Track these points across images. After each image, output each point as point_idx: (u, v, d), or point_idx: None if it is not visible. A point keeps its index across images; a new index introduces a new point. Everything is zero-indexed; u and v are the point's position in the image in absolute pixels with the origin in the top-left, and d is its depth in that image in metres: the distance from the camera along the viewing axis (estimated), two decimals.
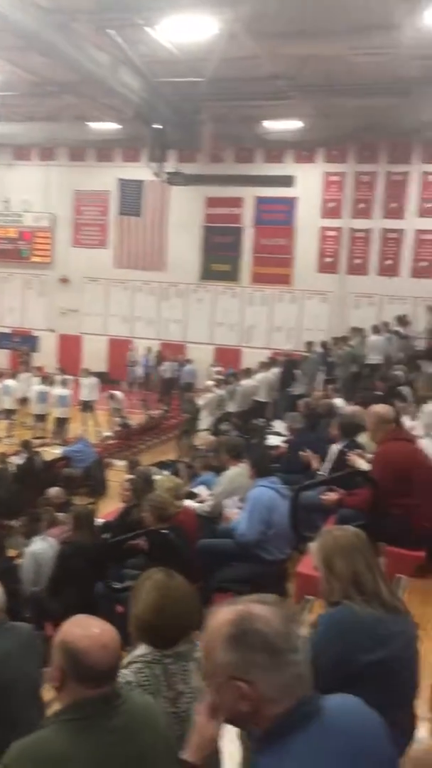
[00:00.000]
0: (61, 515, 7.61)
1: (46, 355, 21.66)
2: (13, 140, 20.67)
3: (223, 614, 1.52)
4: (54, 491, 8.81)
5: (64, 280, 22.61)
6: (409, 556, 4.52)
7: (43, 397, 15.22)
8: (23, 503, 9.48)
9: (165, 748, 1.93)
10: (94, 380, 16.41)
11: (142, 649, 2.56)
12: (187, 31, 10.91)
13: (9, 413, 15.61)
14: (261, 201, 20.18)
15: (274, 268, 20.33)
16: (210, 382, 15.20)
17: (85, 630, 1.93)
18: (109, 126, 17.92)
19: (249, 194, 20.14)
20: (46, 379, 16.09)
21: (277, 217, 20.14)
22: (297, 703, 1.47)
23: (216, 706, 1.56)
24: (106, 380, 18.82)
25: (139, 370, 20.32)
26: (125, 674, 2.35)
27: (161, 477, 6.96)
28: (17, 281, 23.24)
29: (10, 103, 17.39)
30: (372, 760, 1.51)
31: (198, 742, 1.67)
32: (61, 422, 15.12)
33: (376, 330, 16.06)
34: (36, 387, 15.50)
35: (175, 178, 17.64)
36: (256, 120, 17.15)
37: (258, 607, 1.50)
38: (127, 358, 20.87)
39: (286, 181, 19.48)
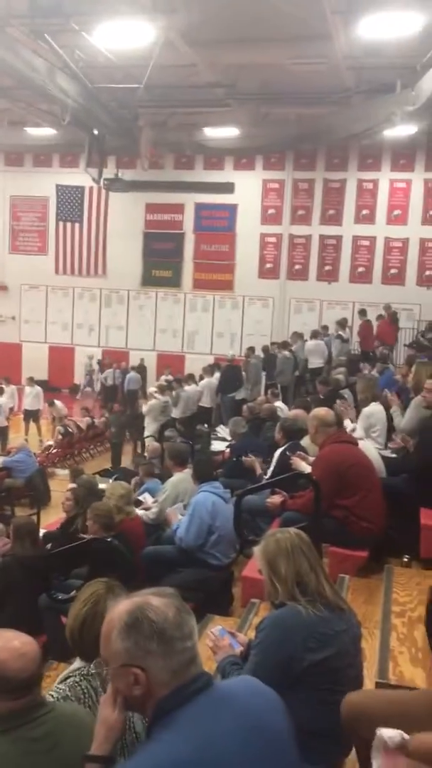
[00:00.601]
0: (1, 527, 7.44)
1: None
2: None
3: (122, 605, 1.62)
4: None
5: (2, 287, 22.22)
6: (352, 556, 4.59)
7: None
8: None
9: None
10: (38, 389, 16.18)
11: (77, 663, 2.53)
12: (124, 38, 10.85)
13: None
14: (201, 207, 20.29)
15: (216, 274, 20.45)
16: (153, 389, 15.14)
17: (3, 641, 1.93)
18: (47, 131, 17.71)
19: (189, 201, 20.22)
20: None
21: (218, 224, 20.27)
22: (185, 682, 1.55)
23: (116, 695, 1.62)
24: (47, 388, 18.55)
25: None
26: (61, 689, 2.31)
27: (112, 484, 6.89)
28: None
29: None
30: (266, 736, 1.58)
31: (103, 734, 1.67)
32: (0, 432, 14.82)
33: (314, 334, 16.30)
34: None
35: (115, 184, 17.53)
36: (196, 127, 17.21)
37: (154, 599, 1.59)
38: (86, 367, 20.56)
39: (226, 187, 19.59)
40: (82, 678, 2.33)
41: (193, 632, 1.60)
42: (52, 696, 2.26)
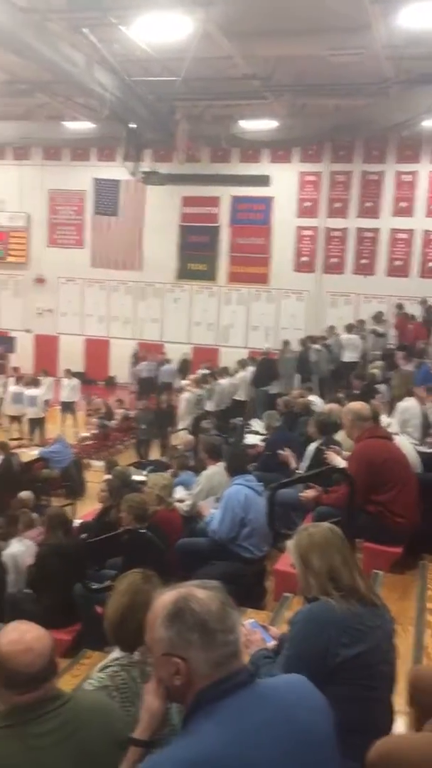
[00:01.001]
0: (36, 517, 7.57)
1: (23, 356, 21.50)
2: None
3: (167, 595, 1.63)
4: (24, 494, 8.75)
5: (40, 280, 22.46)
6: (386, 552, 4.56)
7: (18, 398, 15.09)
8: (0, 505, 9.40)
9: (116, 746, 1.90)
10: (75, 381, 16.35)
11: (117, 652, 2.55)
12: (161, 31, 10.87)
13: None
14: (237, 200, 20.23)
15: (251, 267, 20.38)
16: (186, 382, 15.19)
17: (11, 635, 1.91)
18: (84, 125, 17.82)
19: (225, 194, 20.18)
20: (21, 380, 15.98)
21: (254, 217, 20.19)
22: (226, 675, 1.56)
23: (159, 683, 1.65)
24: (84, 380, 18.74)
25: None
26: (101, 678, 2.34)
27: (154, 475, 6.95)
28: None
29: None
30: (305, 739, 1.57)
31: (147, 720, 1.72)
32: (36, 423, 15.01)
33: (350, 328, 16.18)
34: (11, 388, 15.38)
35: (151, 178, 17.59)
36: (232, 119, 17.16)
37: (198, 591, 1.61)
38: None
39: (263, 180, 19.56)
40: (121, 668, 2.36)
41: (236, 626, 1.61)
42: (92, 684, 2.28)
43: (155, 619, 1.61)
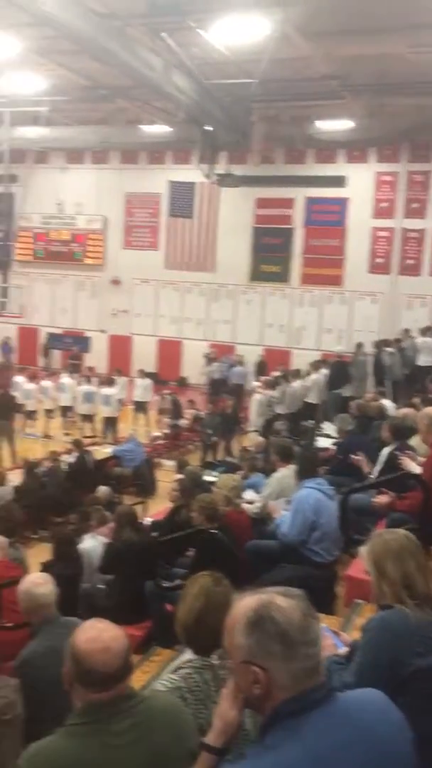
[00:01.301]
0: (109, 514, 7.70)
1: (97, 356, 21.94)
2: (66, 144, 21.00)
3: (247, 600, 1.58)
4: (103, 490, 8.92)
5: (115, 282, 22.88)
6: None
7: (89, 397, 15.40)
8: (74, 501, 9.63)
9: (186, 751, 1.89)
10: (148, 381, 16.57)
11: (189, 654, 2.55)
12: (239, 33, 10.92)
13: (65, 411, 15.86)
14: (312, 201, 20.08)
15: (325, 269, 20.19)
16: (257, 384, 15.16)
17: (89, 633, 1.92)
18: (161, 129, 18.07)
19: (300, 195, 20.06)
20: (96, 379, 16.31)
21: (328, 218, 19.99)
22: (306, 689, 1.51)
23: (236, 690, 1.60)
24: (156, 381, 18.96)
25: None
26: (174, 680, 2.34)
27: (224, 476, 6.99)
28: (70, 283, 23.63)
29: (64, 108, 17.71)
30: (386, 759, 1.52)
31: (220, 727, 1.68)
32: (110, 422, 15.29)
33: (425, 331, 15.82)
34: (83, 387, 15.71)
35: (226, 180, 17.66)
36: (308, 120, 17.07)
37: (280, 599, 1.56)
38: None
39: (338, 181, 19.36)
40: (194, 670, 2.36)
41: (319, 638, 1.56)
42: (165, 685, 2.29)
43: (234, 624, 1.57)
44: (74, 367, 18.98)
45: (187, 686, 2.30)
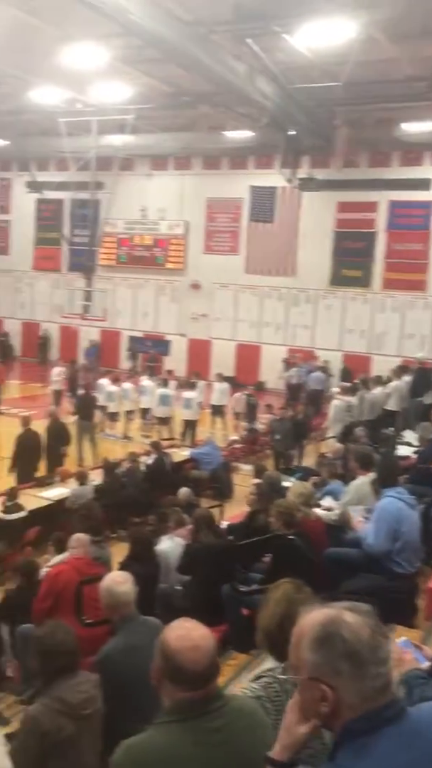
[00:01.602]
0: (187, 516, 7.76)
1: (177, 359, 22.21)
2: (150, 151, 21.40)
3: (315, 614, 1.55)
4: (183, 492, 9.00)
5: (196, 286, 23.11)
6: None
7: (165, 400, 15.55)
8: (152, 502, 9.75)
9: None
10: (225, 385, 16.63)
11: (270, 663, 2.53)
12: (324, 36, 10.84)
13: (144, 413, 16.10)
14: (395, 205, 19.71)
15: (408, 273, 19.78)
16: (336, 390, 14.97)
17: (180, 632, 1.94)
18: (243, 134, 18.14)
19: (383, 198, 19.74)
20: (173, 382, 16.48)
21: (413, 222, 19.58)
22: (376, 708, 1.46)
23: (303, 705, 1.56)
24: (234, 384, 19.01)
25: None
26: (255, 688, 2.33)
27: (294, 483, 6.95)
28: (151, 287, 24.03)
29: (148, 115, 18.02)
30: None
31: (286, 740, 1.62)
32: (189, 425, 15.42)
33: None
34: (160, 390, 15.87)
35: (308, 184, 17.58)
36: (393, 122, 16.77)
37: (349, 615, 1.51)
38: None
39: (423, 184, 18.93)
40: (274, 679, 2.34)
41: (389, 658, 1.51)
42: (246, 694, 2.29)
43: (301, 638, 1.54)
44: (151, 369, 19.24)
45: (267, 695, 2.28)
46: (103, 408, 15.21)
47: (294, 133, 15.85)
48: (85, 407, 14.17)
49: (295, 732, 1.60)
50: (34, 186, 23.08)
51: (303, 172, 17.85)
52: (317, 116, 15.86)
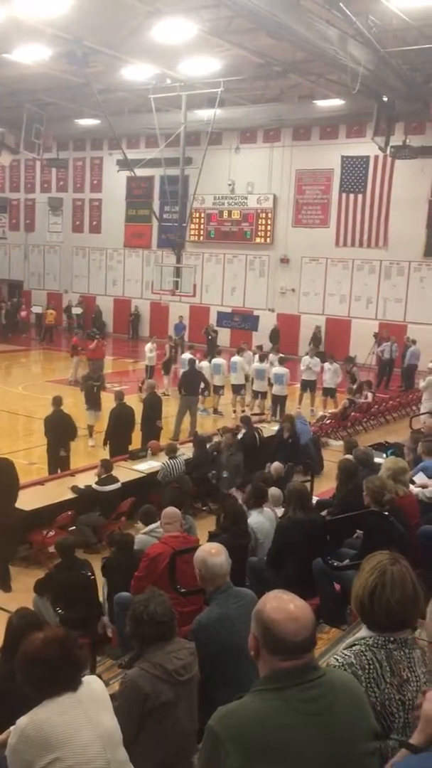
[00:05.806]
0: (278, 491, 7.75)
1: (265, 335, 22.13)
2: (239, 124, 21.22)
3: None
4: (275, 466, 9.00)
5: (284, 260, 22.88)
6: None
7: (261, 375, 15.56)
8: (243, 477, 9.80)
9: (366, 728, 1.91)
10: (315, 360, 16.45)
11: (364, 632, 2.51)
12: None
13: (237, 388, 16.16)
14: None
15: None
16: (430, 365, 14.56)
17: (279, 603, 1.96)
18: (334, 103, 17.69)
19: None
20: (264, 358, 16.42)
21: None
22: None
23: None
24: (324, 360, 18.77)
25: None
26: (347, 655, 2.33)
27: (386, 458, 6.82)
28: (240, 262, 23.96)
29: (237, 87, 17.85)
30: None
31: (422, 726, 1.63)
32: (278, 400, 15.37)
33: None
34: (254, 365, 15.88)
35: (402, 152, 16.98)
36: None
37: None
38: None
39: None
40: (367, 648, 2.33)
41: None
42: (337, 660, 2.29)
43: None
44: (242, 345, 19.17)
45: (359, 663, 2.27)
46: (207, 383, 15.36)
47: (387, 99, 15.32)
48: (191, 383, 14.27)
49: (429, 717, 1.61)
50: (124, 164, 23.36)
51: (397, 140, 17.24)
52: (412, 81, 15.27)
